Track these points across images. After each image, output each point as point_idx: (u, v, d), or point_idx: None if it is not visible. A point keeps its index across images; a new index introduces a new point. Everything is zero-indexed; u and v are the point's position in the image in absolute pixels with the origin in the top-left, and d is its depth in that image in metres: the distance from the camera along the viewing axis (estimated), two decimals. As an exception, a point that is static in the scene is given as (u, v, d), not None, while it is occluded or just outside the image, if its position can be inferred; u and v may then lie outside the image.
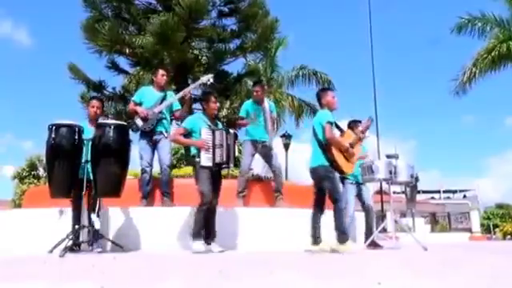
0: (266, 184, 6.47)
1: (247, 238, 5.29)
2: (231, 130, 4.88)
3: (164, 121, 5.63)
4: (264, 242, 5.22)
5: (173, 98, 5.75)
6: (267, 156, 5.99)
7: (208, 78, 5.78)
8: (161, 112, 5.61)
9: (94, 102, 5.23)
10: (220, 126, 4.96)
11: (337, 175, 4.74)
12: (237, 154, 4.79)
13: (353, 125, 5.92)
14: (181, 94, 5.84)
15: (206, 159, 4.59)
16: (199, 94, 7.56)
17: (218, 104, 5.00)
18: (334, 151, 4.63)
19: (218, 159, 4.59)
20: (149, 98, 5.69)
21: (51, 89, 67.59)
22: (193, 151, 4.79)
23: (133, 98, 5.86)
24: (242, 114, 6.00)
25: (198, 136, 4.66)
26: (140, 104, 5.67)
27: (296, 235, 5.15)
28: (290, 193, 6.12)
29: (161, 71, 5.82)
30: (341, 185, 5.99)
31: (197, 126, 4.71)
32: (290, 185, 7.06)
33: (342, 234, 4.53)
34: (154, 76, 5.88)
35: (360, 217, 6.20)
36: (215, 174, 4.69)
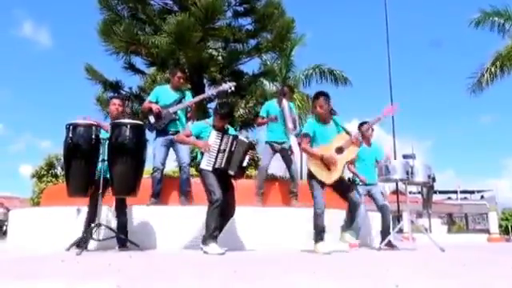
0: (282, 184, 6.45)
1: (261, 237, 5.28)
2: (245, 139, 4.72)
3: (178, 121, 5.64)
4: (276, 241, 5.21)
5: (190, 100, 5.75)
6: (286, 159, 6.02)
7: (230, 86, 5.75)
8: (175, 113, 5.62)
9: (116, 101, 5.23)
10: (231, 132, 4.75)
11: (315, 182, 4.60)
12: (245, 164, 4.55)
13: (361, 127, 5.93)
14: (200, 97, 5.86)
15: (206, 162, 4.49)
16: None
17: (227, 122, 4.74)
18: (310, 161, 4.65)
19: (217, 164, 4.47)
20: (165, 97, 5.69)
21: (71, 89, 68.67)
22: (199, 157, 4.67)
23: (149, 98, 5.87)
24: (262, 113, 6.07)
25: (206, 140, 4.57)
26: (156, 103, 5.66)
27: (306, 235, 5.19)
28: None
29: (179, 73, 5.74)
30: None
31: (204, 132, 4.62)
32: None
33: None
34: (172, 76, 5.85)
35: (377, 217, 6.15)
36: (222, 179, 4.51)
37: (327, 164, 4.55)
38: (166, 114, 5.58)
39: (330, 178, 4.56)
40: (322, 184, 4.60)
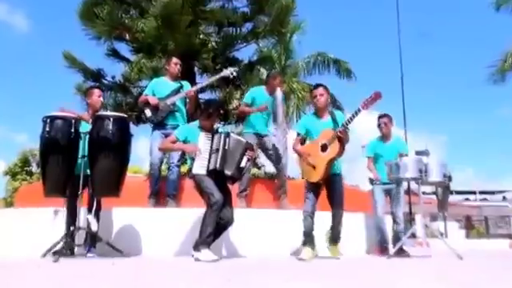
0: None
1: (251, 241, 5.26)
2: (242, 138, 4.76)
3: (177, 113, 5.62)
4: (269, 246, 5.21)
5: (188, 90, 5.73)
6: (268, 150, 5.94)
7: (231, 72, 5.72)
8: (173, 104, 5.59)
9: (98, 92, 5.11)
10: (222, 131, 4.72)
11: (307, 183, 4.83)
12: (243, 164, 4.54)
13: (380, 119, 6.02)
14: (198, 86, 5.87)
15: (198, 166, 4.46)
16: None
17: (215, 121, 4.77)
18: (300, 161, 4.87)
19: (211, 166, 4.43)
20: (162, 89, 5.68)
21: (50, 77, 68.36)
22: (189, 163, 4.66)
23: (145, 92, 5.84)
24: (246, 100, 5.94)
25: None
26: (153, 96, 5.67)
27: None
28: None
29: (174, 60, 5.78)
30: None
31: (191, 136, 4.59)
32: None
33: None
34: (167, 65, 5.85)
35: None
36: (218, 183, 4.46)
37: (312, 163, 4.72)
38: (163, 107, 5.56)
39: (313, 176, 4.73)
40: (312, 185, 4.76)
